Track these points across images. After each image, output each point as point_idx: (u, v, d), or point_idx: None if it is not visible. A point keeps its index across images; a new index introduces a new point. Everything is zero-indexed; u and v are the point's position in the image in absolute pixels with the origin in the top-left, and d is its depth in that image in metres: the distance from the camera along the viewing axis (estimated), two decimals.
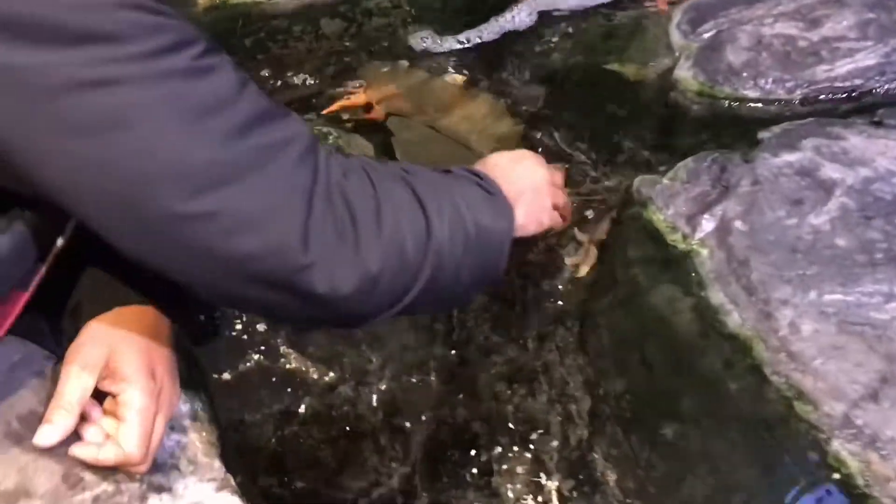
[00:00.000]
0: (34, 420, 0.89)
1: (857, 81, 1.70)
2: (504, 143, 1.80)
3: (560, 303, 1.61)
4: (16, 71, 0.64)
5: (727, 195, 1.48)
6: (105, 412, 0.92)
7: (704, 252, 1.43)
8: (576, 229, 1.68)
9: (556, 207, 1.17)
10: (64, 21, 0.64)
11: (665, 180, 1.56)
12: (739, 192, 1.47)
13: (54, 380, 0.91)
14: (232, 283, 0.76)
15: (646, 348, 1.42)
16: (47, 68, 0.64)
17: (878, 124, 1.61)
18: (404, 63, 2.06)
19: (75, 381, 0.89)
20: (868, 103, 1.70)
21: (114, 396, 0.92)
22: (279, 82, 2.09)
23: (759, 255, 1.38)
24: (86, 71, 0.65)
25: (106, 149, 0.68)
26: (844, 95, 1.72)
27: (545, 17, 2.09)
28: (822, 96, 1.73)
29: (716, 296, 1.37)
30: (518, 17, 2.05)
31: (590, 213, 1.71)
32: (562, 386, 1.49)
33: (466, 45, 2.08)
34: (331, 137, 1.72)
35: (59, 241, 0.89)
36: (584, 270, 1.64)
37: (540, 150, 1.81)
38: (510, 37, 2.08)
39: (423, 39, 2.16)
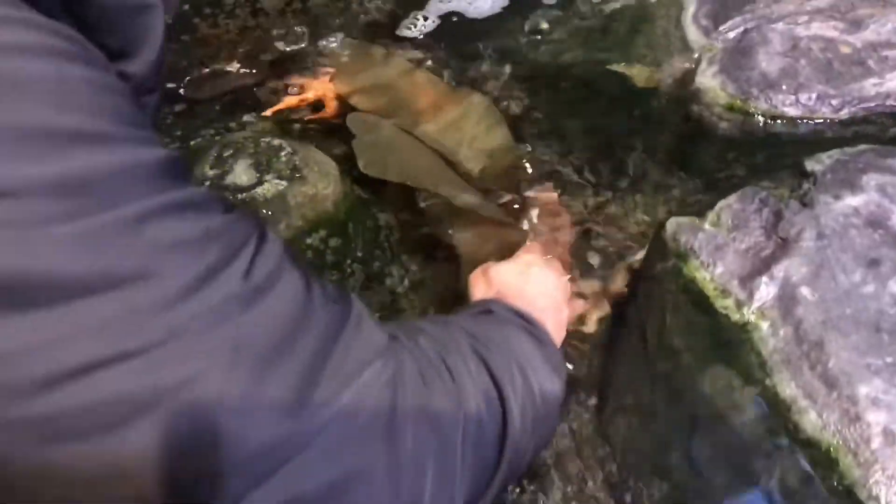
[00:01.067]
0: None
1: None
2: (496, 160, 1.48)
3: (570, 366, 1.31)
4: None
5: (787, 251, 1.20)
6: None
7: (765, 326, 1.16)
8: (577, 275, 1.39)
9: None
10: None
11: (707, 226, 1.27)
12: (803, 248, 1.19)
13: None
14: None
15: (692, 447, 1.14)
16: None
17: None
18: (379, 49, 1.69)
19: None
20: None
21: None
22: (207, 70, 1.70)
23: (836, 334, 1.11)
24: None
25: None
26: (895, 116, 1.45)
27: (530, 4, 1.75)
28: (870, 116, 1.45)
29: (785, 387, 1.10)
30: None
31: (594, 258, 1.42)
32: (579, 484, 1.21)
33: (428, 30, 1.73)
34: (283, 154, 1.36)
35: None
36: (591, 325, 1.35)
37: (529, 169, 1.50)
38: (486, 23, 1.74)
39: (377, 17, 1.80)
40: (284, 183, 1.32)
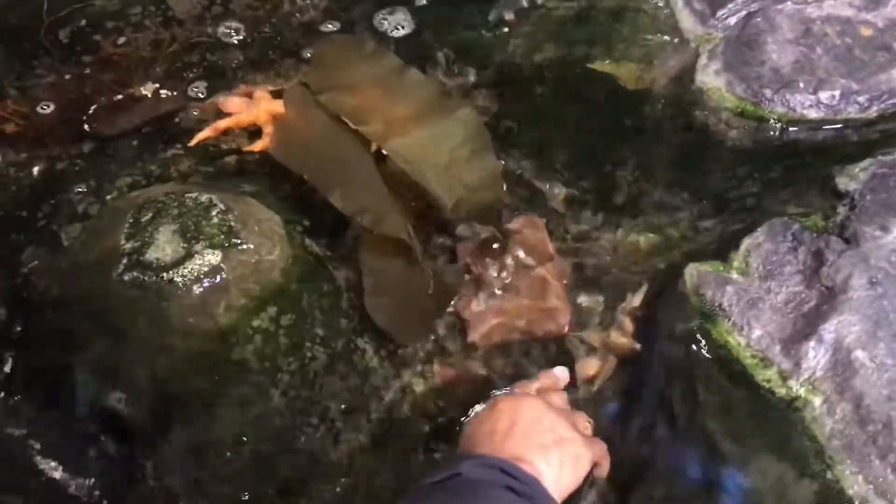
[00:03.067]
0: None
1: None
2: (474, 194, 1.24)
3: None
4: None
5: (835, 303, 1.00)
6: None
7: (818, 402, 0.96)
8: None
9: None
10: None
11: (735, 275, 1.06)
12: (854, 300, 1.00)
13: None
14: None
15: None
16: None
17: None
18: (370, 43, 1.42)
19: None
20: None
21: None
22: (117, 98, 1.43)
23: None
24: None
25: None
26: None
27: None
28: None
29: (852, 481, 0.92)
30: None
31: (588, 301, 1.20)
32: None
33: (384, 34, 1.48)
34: (214, 214, 1.11)
35: None
36: (599, 381, 1.14)
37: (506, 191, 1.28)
38: (441, 16, 1.49)
39: (329, 23, 1.54)
40: (219, 253, 1.08)
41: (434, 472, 0.78)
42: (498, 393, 0.99)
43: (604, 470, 0.95)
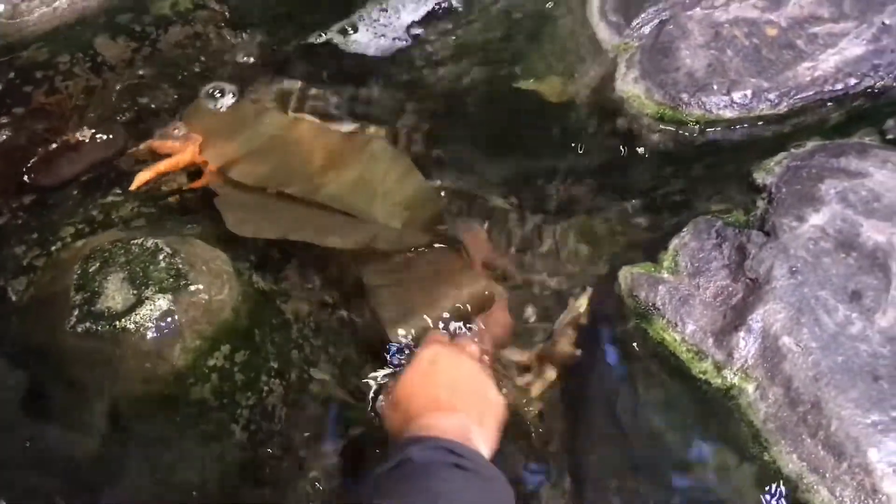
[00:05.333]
0: None
1: (851, 81, 1.32)
2: (416, 212, 1.28)
3: (532, 441, 1.16)
4: None
5: (760, 294, 1.06)
6: None
7: (751, 388, 1.02)
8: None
9: None
10: None
11: (665, 274, 1.12)
12: (777, 289, 1.06)
13: None
14: None
15: None
16: None
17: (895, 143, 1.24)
18: (247, 105, 1.46)
19: None
20: (866, 108, 1.32)
21: None
22: (54, 146, 1.43)
23: (833, 390, 0.99)
24: None
25: None
26: (836, 100, 1.32)
27: (416, 17, 1.54)
28: (809, 105, 1.32)
29: (787, 460, 0.98)
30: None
31: (530, 312, 1.25)
32: None
33: (315, 64, 1.51)
34: (161, 258, 1.13)
35: None
36: (536, 390, 1.19)
37: (452, 208, 1.32)
38: (371, 47, 1.53)
39: (247, 57, 1.56)
40: (169, 296, 1.10)
41: (386, 460, 0.82)
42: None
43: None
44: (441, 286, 1.18)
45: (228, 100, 1.49)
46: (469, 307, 1.16)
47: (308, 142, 1.35)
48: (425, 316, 1.15)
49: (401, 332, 1.14)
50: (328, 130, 1.38)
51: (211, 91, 1.49)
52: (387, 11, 1.53)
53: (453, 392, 0.93)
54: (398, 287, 1.21)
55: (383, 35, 1.51)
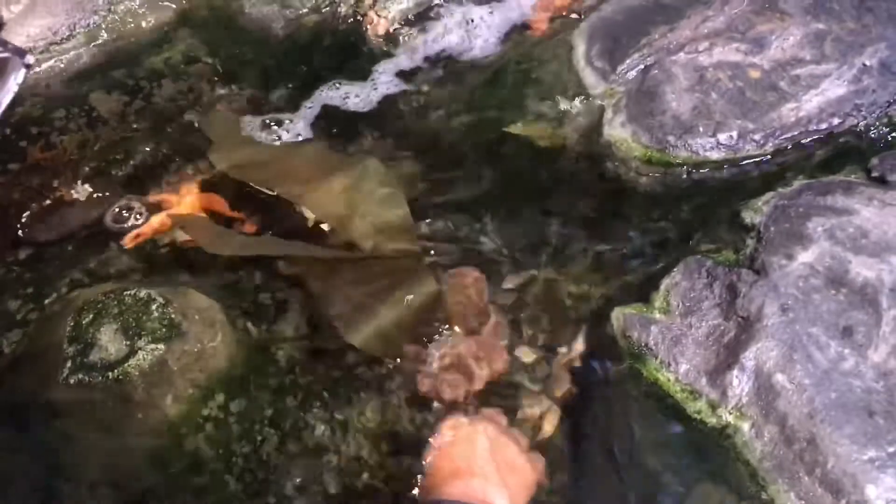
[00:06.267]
0: None
1: (834, 121, 1.34)
2: (389, 237, 1.30)
3: None
4: None
5: (752, 332, 1.07)
6: None
7: (746, 427, 1.02)
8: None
9: None
10: None
11: (657, 314, 1.12)
12: (768, 327, 1.06)
13: None
14: None
15: None
16: None
17: (881, 181, 1.26)
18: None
19: None
20: (850, 146, 1.34)
21: None
22: (49, 202, 1.44)
23: (829, 426, 0.98)
24: None
25: None
26: (821, 139, 1.34)
27: (407, 66, 1.57)
28: (795, 145, 1.34)
29: (785, 499, 0.97)
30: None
31: (527, 354, 1.25)
32: None
33: (308, 116, 1.53)
34: (154, 308, 1.14)
35: None
36: (549, 429, 1.18)
37: (433, 250, 1.33)
38: (363, 98, 1.56)
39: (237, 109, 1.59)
40: (162, 346, 1.10)
41: None
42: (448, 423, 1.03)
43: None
44: (392, 287, 1.22)
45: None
46: (419, 306, 1.19)
47: (309, 158, 1.41)
48: (376, 312, 1.19)
49: (351, 329, 1.17)
50: (330, 153, 1.42)
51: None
52: (377, 63, 1.56)
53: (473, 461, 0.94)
54: (349, 288, 1.23)
55: (375, 88, 1.54)
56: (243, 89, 1.59)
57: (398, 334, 1.20)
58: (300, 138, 1.50)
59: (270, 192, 1.37)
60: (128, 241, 1.39)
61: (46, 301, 1.30)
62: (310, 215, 1.35)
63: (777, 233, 1.18)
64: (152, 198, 1.44)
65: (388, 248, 1.31)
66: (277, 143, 1.50)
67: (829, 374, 1.02)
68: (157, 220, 1.42)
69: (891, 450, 0.96)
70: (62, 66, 1.63)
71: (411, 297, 1.22)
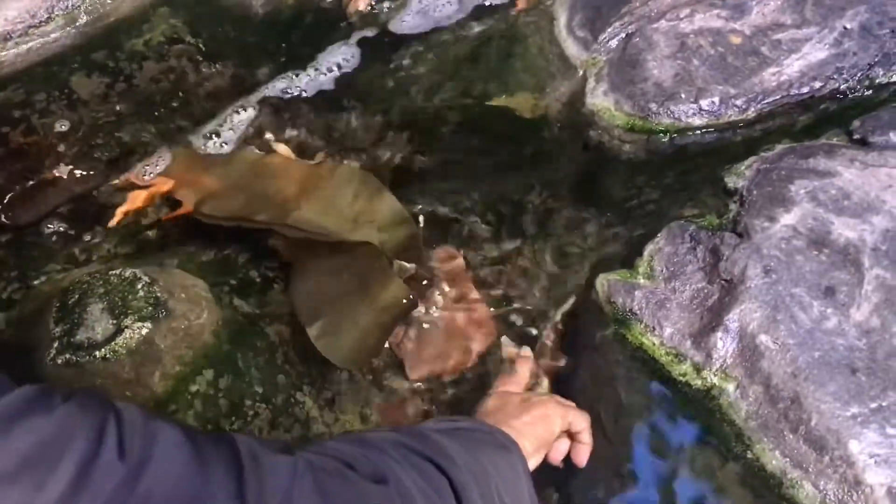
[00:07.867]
0: None
1: (816, 84, 1.34)
2: (391, 233, 1.29)
3: None
4: None
5: (735, 294, 1.07)
6: None
7: (731, 388, 1.03)
8: (504, 340, 1.23)
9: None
10: None
11: (641, 279, 1.13)
12: (751, 289, 1.07)
13: None
14: None
15: None
16: None
17: (863, 143, 1.26)
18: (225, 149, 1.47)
19: None
20: (832, 110, 1.34)
21: None
22: (30, 184, 1.44)
23: (812, 385, 0.99)
24: None
25: None
26: (803, 103, 1.34)
27: (389, 41, 1.56)
28: (776, 109, 1.34)
29: (770, 457, 0.98)
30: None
31: (514, 323, 1.25)
32: None
33: (291, 95, 1.52)
34: (139, 287, 1.14)
35: None
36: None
37: (424, 227, 1.33)
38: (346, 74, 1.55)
39: (222, 89, 1.58)
40: (148, 324, 1.10)
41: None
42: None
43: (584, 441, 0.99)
44: (359, 287, 1.21)
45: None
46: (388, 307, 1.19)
47: (280, 174, 1.37)
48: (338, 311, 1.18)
49: (315, 326, 1.17)
50: (298, 162, 1.40)
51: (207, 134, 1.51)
52: (357, 39, 1.55)
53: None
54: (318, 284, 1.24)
55: (354, 65, 1.53)
56: (227, 68, 1.58)
57: (375, 342, 1.20)
58: (287, 122, 1.49)
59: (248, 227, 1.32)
60: (113, 222, 1.38)
61: (32, 283, 1.29)
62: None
63: (760, 196, 1.18)
64: (135, 175, 1.44)
65: (394, 242, 1.29)
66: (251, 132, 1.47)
67: (812, 334, 1.03)
68: (142, 196, 1.41)
69: (873, 405, 0.97)
70: (41, 49, 1.61)
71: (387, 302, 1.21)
